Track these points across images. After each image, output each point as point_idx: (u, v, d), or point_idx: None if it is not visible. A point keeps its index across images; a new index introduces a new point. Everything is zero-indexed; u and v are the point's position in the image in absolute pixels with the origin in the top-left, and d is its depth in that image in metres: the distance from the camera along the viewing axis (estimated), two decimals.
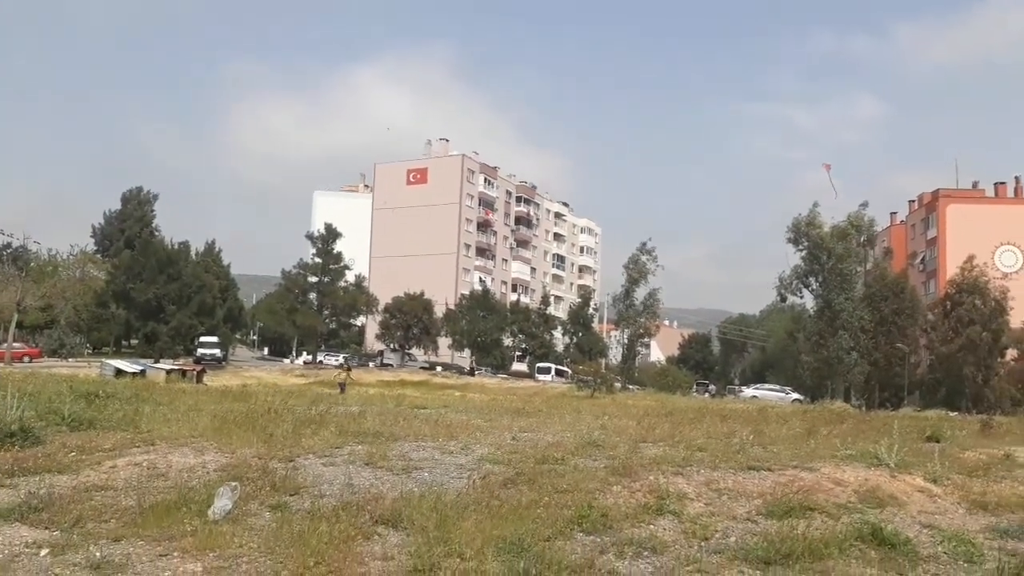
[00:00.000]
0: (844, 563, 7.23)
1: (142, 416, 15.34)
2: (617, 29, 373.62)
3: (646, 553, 7.30)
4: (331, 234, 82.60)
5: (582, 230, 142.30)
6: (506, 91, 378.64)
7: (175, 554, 6.58)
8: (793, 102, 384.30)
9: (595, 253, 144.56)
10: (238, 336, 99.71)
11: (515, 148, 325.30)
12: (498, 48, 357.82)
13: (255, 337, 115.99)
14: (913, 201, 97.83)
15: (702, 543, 7.72)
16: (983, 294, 65.08)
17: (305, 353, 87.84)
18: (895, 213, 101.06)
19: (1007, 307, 64.94)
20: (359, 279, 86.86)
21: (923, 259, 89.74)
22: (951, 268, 74.56)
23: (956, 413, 45.55)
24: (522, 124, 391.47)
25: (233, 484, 8.31)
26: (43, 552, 6.53)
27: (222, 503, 7.75)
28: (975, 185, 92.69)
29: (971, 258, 68.04)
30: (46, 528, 7.19)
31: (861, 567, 7.23)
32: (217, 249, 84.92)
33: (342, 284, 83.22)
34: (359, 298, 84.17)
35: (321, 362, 79.30)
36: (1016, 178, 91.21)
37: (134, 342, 78.54)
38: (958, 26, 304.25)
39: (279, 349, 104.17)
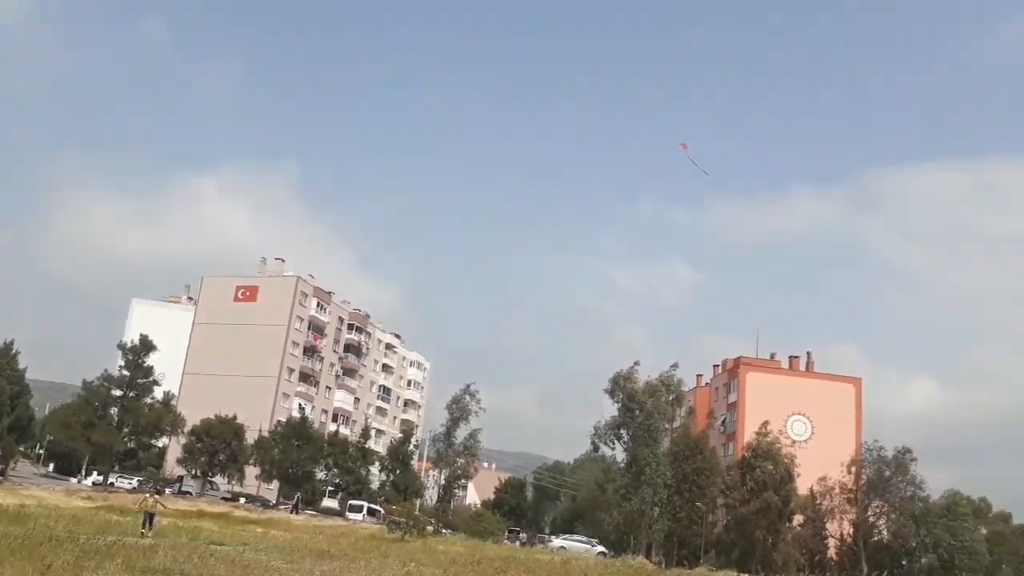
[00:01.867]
0: None
1: None
2: (455, 173, 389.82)
3: None
4: (145, 346, 78.32)
5: (411, 363, 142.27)
6: (348, 216, 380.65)
7: None
8: (616, 260, 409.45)
9: (422, 388, 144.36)
10: (22, 448, 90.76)
11: (353, 273, 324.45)
12: (342, 173, 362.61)
13: (41, 451, 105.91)
14: (718, 366, 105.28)
15: None
16: (775, 460, 70.03)
17: (96, 473, 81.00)
18: (701, 375, 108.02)
19: (795, 474, 70.06)
20: (168, 396, 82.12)
21: (724, 422, 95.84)
22: (749, 432, 80.00)
23: (746, 575, 47.90)
24: (362, 251, 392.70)
25: None
26: None
27: None
28: (772, 356, 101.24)
29: (766, 424, 73.48)
30: None
31: None
32: (14, 351, 78.37)
33: (148, 400, 78.35)
34: (165, 417, 79.28)
35: (112, 484, 73.51)
36: (808, 353, 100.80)
37: None
38: (766, 208, 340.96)
39: (67, 466, 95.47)
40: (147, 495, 33.44)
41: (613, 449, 72.46)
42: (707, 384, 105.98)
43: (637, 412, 67.58)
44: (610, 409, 69.85)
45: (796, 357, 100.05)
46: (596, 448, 72.58)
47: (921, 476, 75.09)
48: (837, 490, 73.42)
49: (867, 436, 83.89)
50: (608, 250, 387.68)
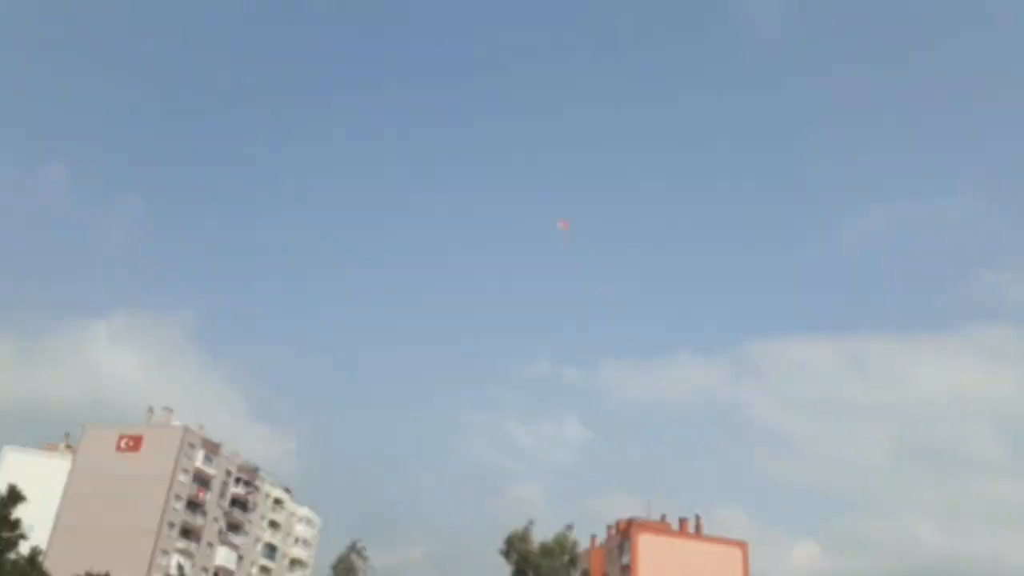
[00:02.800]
0: None
1: None
2: (353, 323, 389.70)
3: None
4: (13, 497, 73.51)
5: (300, 519, 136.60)
6: (243, 363, 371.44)
7: None
8: (511, 416, 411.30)
9: (311, 546, 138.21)
10: None
11: (246, 422, 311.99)
12: (239, 320, 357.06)
13: None
14: (611, 526, 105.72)
15: None
16: None
17: None
18: (595, 536, 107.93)
19: None
20: (35, 552, 76.71)
21: None
22: None
23: None
24: (256, 399, 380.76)
25: None
26: None
27: None
28: (663, 518, 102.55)
29: None
30: None
31: None
32: None
33: (12, 556, 73.01)
34: (29, 575, 73.84)
35: None
36: (697, 516, 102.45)
37: None
38: (655, 371, 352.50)
39: None
40: None
41: None
42: (601, 545, 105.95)
43: (531, 574, 67.34)
44: (504, 570, 69.41)
45: (686, 519, 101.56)
46: None
47: None
48: None
49: None
50: (504, 406, 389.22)
